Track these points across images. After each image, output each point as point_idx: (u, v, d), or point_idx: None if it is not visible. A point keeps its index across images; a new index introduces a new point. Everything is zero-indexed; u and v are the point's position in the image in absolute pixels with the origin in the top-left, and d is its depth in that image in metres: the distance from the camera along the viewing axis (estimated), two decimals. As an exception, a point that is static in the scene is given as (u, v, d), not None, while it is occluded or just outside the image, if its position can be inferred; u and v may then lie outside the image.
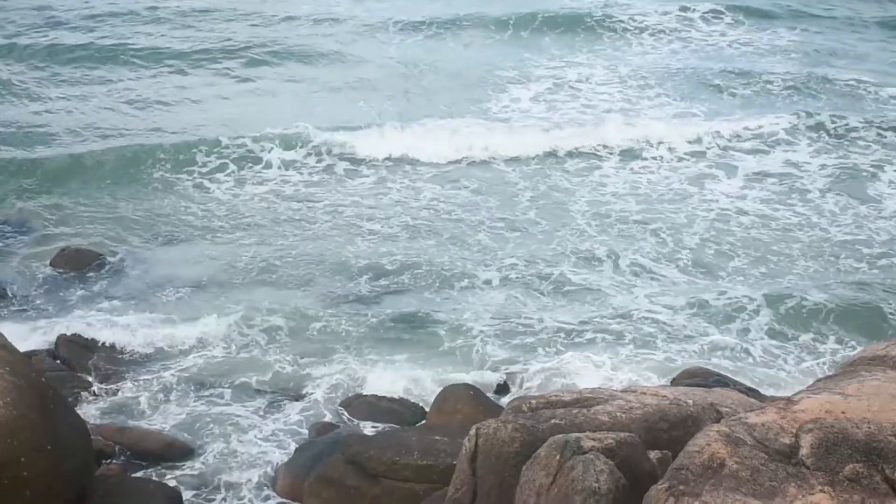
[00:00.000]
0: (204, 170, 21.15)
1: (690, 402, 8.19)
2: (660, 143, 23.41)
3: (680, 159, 22.83)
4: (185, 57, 28.28)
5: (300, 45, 29.88)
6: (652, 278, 17.39)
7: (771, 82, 28.08)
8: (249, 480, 11.98)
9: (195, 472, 12.10)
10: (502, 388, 13.99)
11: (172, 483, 11.55)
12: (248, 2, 33.30)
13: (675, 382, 13.27)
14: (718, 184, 21.71)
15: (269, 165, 21.56)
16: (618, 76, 28.33)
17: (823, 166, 22.62)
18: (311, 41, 30.34)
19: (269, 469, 12.12)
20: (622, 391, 8.63)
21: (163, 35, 30.05)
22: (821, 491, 5.57)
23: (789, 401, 6.67)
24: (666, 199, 20.88)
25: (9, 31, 29.59)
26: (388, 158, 22.04)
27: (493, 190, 20.93)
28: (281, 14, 32.58)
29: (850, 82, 28.24)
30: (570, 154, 22.56)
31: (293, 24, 31.94)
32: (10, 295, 16.13)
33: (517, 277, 17.18)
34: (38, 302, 16.01)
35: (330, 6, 33.60)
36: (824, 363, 14.82)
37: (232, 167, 21.38)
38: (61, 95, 25.21)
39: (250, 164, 21.55)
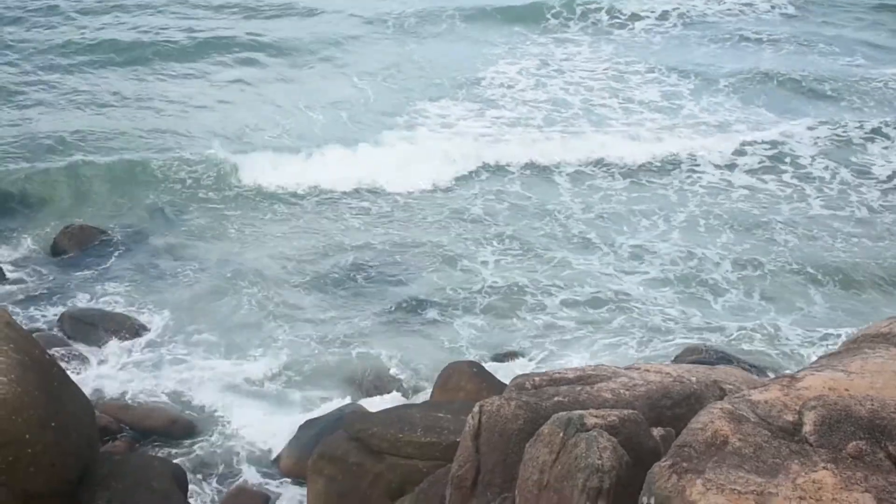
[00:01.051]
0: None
1: (694, 379, 8.19)
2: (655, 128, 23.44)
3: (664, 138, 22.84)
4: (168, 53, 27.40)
5: (292, 35, 29.34)
6: (644, 258, 17.45)
7: (762, 66, 28.03)
8: (253, 457, 12.04)
9: (199, 450, 12.15)
10: (509, 356, 14.13)
11: (177, 460, 11.59)
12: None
13: (678, 360, 13.29)
14: (710, 156, 21.84)
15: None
16: (606, 54, 28.46)
17: (816, 139, 22.73)
18: (306, 31, 29.94)
19: (272, 446, 12.17)
20: (625, 368, 8.62)
21: (145, 29, 29.28)
22: (824, 468, 5.57)
23: (793, 378, 6.66)
24: (656, 172, 21.04)
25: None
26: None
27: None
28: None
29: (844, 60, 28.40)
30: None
31: (286, 15, 31.61)
32: (15, 272, 16.16)
33: (512, 260, 17.22)
34: (42, 279, 16.03)
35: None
36: (822, 344, 14.90)
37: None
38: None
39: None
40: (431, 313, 15.43)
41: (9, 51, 26.70)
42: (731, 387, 8.19)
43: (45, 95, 23.95)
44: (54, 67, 25.76)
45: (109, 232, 17.62)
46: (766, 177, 20.83)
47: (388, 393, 13.29)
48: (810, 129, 23.19)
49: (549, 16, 31.19)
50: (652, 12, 32.08)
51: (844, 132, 23.08)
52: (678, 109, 24.60)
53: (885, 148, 22.32)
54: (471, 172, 20.86)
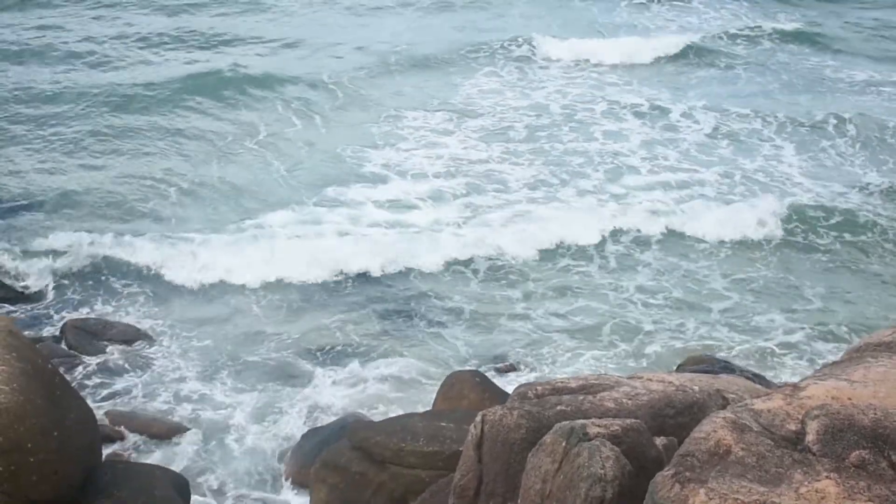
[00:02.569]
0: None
1: (696, 388, 8.18)
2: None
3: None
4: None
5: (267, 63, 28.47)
6: (640, 266, 17.44)
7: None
8: (255, 467, 12.02)
9: (201, 459, 12.14)
10: (509, 369, 14.09)
11: (179, 469, 11.57)
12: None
13: (680, 369, 13.27)
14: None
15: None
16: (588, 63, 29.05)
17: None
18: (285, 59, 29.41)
19: (275, 455, 12.15)
20: (628, 378, 8.61)
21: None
22: (827, 477, 5.55)
23: (795, 387, 6.65)
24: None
25: None
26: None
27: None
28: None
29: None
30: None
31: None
32: (17, 281, 16.17)
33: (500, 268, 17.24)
34: (44, 287, 16.04)
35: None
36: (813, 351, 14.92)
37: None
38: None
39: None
40: (426, 325, 15.46)
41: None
42: (733, 396, 8.19)
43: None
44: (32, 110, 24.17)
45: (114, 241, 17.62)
46: (763, 180, 20.90)
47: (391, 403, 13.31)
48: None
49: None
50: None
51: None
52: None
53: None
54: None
